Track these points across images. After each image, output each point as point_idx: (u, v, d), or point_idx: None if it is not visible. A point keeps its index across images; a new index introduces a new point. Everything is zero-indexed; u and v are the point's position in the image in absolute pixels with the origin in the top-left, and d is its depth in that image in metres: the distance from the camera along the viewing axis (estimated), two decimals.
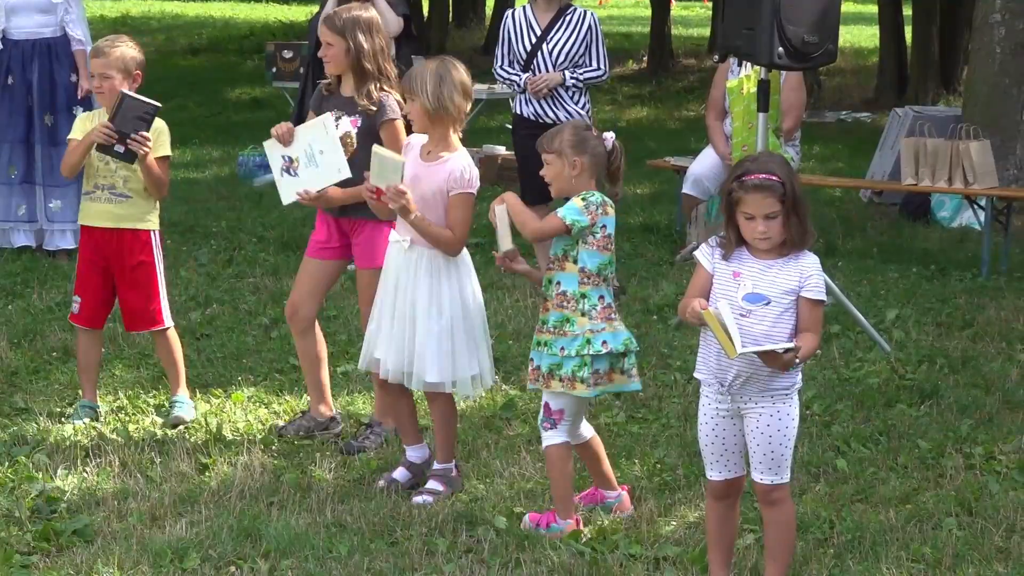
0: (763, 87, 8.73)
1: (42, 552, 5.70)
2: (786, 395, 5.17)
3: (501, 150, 14.50)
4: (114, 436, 6.92)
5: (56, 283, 9.89)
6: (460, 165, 6.21)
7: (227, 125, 18.51)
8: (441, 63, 6.22)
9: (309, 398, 7.17)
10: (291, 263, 10.61)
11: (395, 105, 6.73)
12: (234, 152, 15.77)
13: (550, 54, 9.88)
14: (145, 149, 6.94)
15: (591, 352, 5.82)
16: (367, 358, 6.41)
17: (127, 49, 7.16)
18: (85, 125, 7.16)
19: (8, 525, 5.93)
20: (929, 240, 12.01)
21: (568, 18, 9.97)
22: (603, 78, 10.08)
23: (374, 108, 6.73)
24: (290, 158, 6.77)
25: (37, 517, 6.01)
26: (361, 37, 6.72)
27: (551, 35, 9.93)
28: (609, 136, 5.96)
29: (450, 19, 32.58)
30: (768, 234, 5.06)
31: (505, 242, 5.93)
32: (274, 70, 15.25)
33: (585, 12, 10.07)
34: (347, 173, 6.63)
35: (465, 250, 6.30)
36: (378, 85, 6.75)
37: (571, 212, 5.78)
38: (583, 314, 5.84)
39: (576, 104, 9.93)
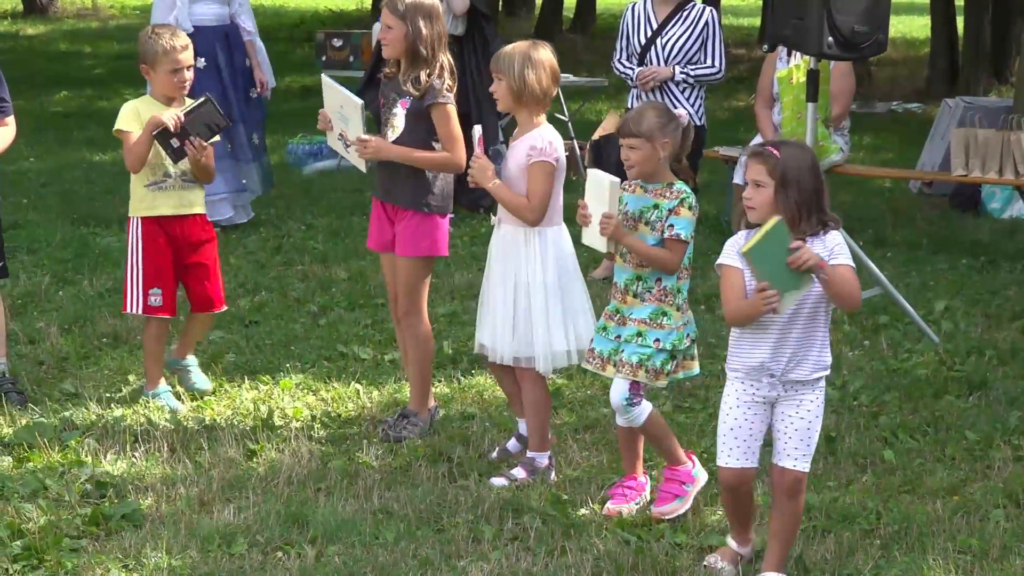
0: (812, 77, 8.69)
1: (91, 536, 5.75)
2: (819, 385, 5.26)
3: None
4: (162, 422, 6.96)
5: (106, 270, 9.95)
6: (540, 136, 6.26)
7: (277, 113, 18.52)
8: (532, 45, 6.28)
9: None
10: (339, 251, 10.66)
11: (445, 90, 6.69)
12: (284, 140, 15.83)
13: (663, 48, 9.75)
14: (197, 156, 7.06)
15: (683, 348, 5.94)
16: (477, 342, 6.59)
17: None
18: (134, 118, 7.11)
19: (58, 509, 5.97)
20: (979, 231, 11.94)
21: (685, 14, 9.88)
22: (718, 76, 9.91)
23: (417, 93, 6.66)
24: (340, 134, 6.84)
25: (86, 501, 6.06)
26: (421, 23, 6.65)
27: (666, 30, 9.84)
28: (684, 115, 6.01)
29: (499, 7, 32.56)
30: (752, 202, 5.17)
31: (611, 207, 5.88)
32: (324, 58, 15.28)
33: (704, 8, 9.96)
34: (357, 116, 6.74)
35: (557, 226, 6.33)
36: (428, 72, 6.67)
37: (686, 227, 5.85)
38: (678, 309, 5.92)
39: (688, 101, 9.79)
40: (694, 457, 6.16)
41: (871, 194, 13.64)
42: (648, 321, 5.89)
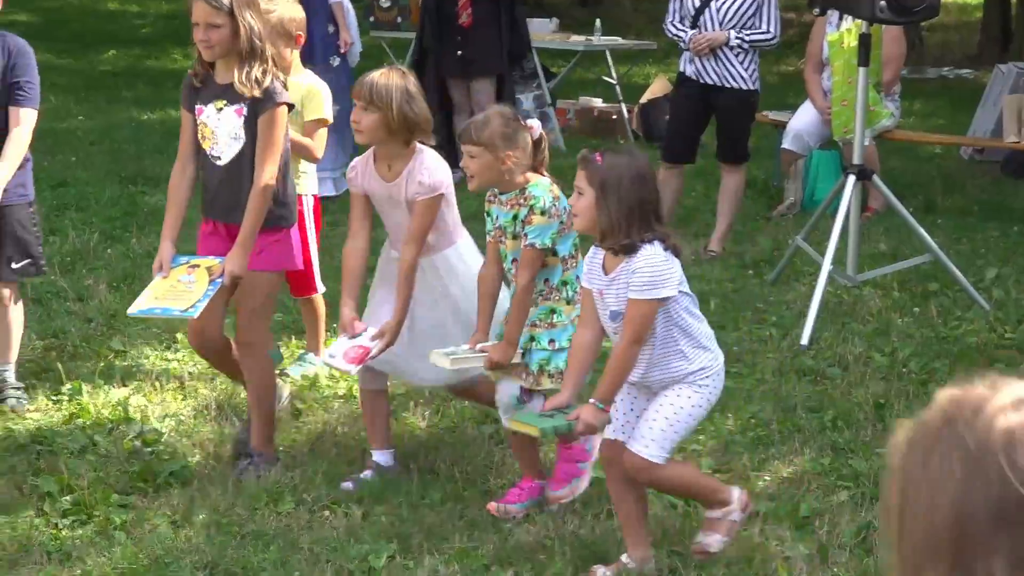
0: (864, 41, 8.61)
1: (139, 492, 5.78)
2: (686, 383, 4.99)
3: (598, 102, 14.44)
4: (211, 380, 6.98)
5: (155, 228, 9.96)
6: (422, 168, 5.71)
7: None
8: (402, 76, 5.72)
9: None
10: None
11: (283, 88, 5.90)
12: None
13: (718, 11, 9.56)
14: None
15: None
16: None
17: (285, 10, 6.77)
18: None
19: (107, 465, 6.01)
20: None
21: None
22: (773, 42, 9.72)
23: (259, 94, 5.77)
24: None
25: (135, 458, 6.09)
26: (249, 14, 5.79)
27: None
28: (535, 127, 5.60)
29: None
30: (575, 208, 4.98)
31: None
32: (372, 19, 15.22)
33: None
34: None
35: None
36: (264, 69, 5.79)
37: (539, 233, 5.43)
38: (568, 302, 5.55)
39: (742, 66, 9.62)
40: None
41: (922, 160, 13.54)
42: (538, 323, 5.52)
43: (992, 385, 1.81)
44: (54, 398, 6.74)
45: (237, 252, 5.80)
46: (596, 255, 5.00)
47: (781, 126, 11.52)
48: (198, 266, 5.88)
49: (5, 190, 6.42)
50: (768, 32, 9.63)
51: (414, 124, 5.67)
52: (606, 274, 4.94)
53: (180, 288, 5.83)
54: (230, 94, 5.82)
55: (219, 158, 5.89)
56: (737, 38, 9.54)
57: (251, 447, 6.07)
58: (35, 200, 6.76)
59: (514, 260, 5.56)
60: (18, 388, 6.76)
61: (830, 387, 7.05)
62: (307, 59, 10.96)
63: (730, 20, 9.59)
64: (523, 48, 12.21)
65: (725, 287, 8.81)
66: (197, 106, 5.91)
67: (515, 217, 5.52)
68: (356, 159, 6.01)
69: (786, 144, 11.04)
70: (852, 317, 8.22)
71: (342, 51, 11.13)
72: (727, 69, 9.58)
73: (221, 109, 5.85)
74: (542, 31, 14.12)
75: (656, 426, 4.96)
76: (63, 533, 5.47)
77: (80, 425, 6.44)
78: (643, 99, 14.02)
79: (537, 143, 5.55)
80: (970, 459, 1.71)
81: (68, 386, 6.87)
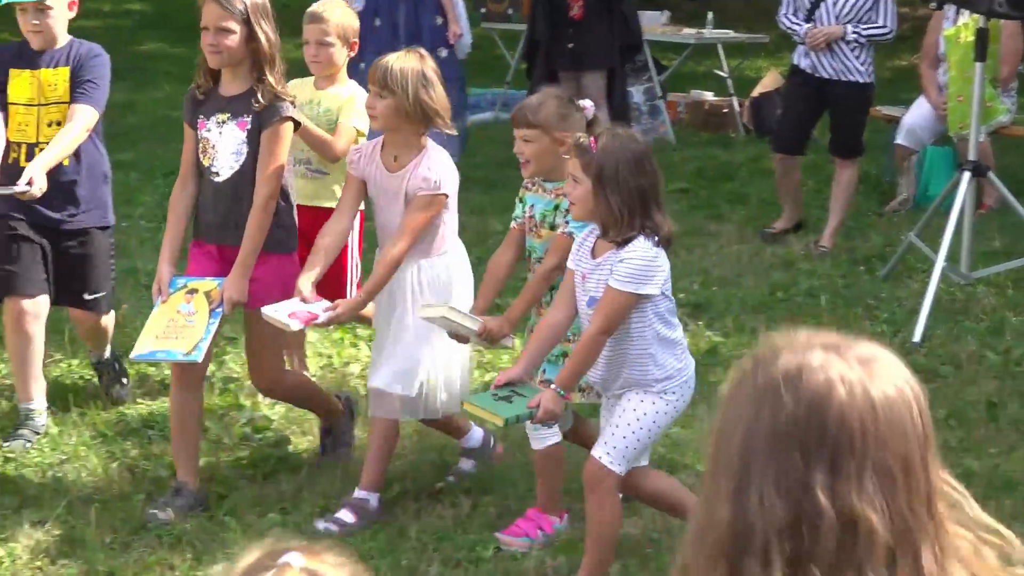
0: (981, 36, 8.50)
1: (249, 478, 5.83)
2: (650, 392, 4.83)
3: (709, 96, 14.37)
4: (320, 370, 7.02)
5: None
6: (429, 164, 5.45)
7: None
8: (420, 59, 5.47)
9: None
10: (496, 203, 10.66)
11: (290, 103, 5.64)
12: None
13: (834, 5, 9.52)
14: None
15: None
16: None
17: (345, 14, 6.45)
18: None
19: (217, 451, 6.07)
20: None
21: None
22: (889, 36, 9.63)
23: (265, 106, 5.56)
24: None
25: (245, 444, 6.15)
26: (264, 22, 5.58)
27: None
28: (588, 107, 5.37)
29: None
30: (571, 197, 4.82)
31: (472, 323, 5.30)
32: (483, 11, 15.25)
33: None
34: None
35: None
36: (275, 81, 5.57)
37: (584, 225, 5.01)
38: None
39: (858, 60, 9.53)
40: (566, 517, 5.52)
41: None
42: (571, 338, 5.10)
43: (811, 335, 2.06)
44: (165, 384, 6.82)
45: (236, 276, 5.52)
46: (589, 237, 4.85)
47: (894, 121, 11.39)
48: (196, 291, 5.59)
49: (86, 210, 6.19)
50: (885, 27, 9.54)
51: (431, 110, 5.39)
52: (593, 258, 4.80)
53: (180, 323, 5.52)
54: (234, 106, 5.58)
55: (217, 174, 5.61)
56: (854, 32, 9.46)
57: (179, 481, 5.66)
58: (113, 226, 6.46)
59: (538, 260, 5.38)
60: (123, 377, 6.78)
61: (942, 385, 6.97)
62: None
63: (847, 14, 9.50)
64: (635, 41, 12.15)
65: (836, 283, 8.72)
66: (199, 119, 5.65)
67: (557, 207, 5.29)
68: (363, 143, 5.83)
69: (900, 139, 10.92)
70: (965, 315, 8.11)
71: (450, 42, 11.11)
72: (843, 63, 9.50)
73: (224, 123, 5.59)
74: (653, 24, 14.07)
75: (619, 432, 4.82)
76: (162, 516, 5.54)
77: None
78: (754, 93, 13.92)
79: (591, 124, 5.29)
80: (756, 394, 2.00)
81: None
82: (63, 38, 6.19)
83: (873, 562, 1.95)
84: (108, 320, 6.59)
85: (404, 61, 5.42)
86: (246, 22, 5.51)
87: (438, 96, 5.41)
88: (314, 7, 6.45)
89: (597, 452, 4.85)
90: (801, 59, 9.68)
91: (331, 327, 6.33)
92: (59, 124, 6.07)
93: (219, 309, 5.52)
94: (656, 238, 4.69)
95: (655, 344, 4.79)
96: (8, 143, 6.09)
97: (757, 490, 1.96)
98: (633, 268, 4.66)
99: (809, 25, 9.54)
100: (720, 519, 1.99)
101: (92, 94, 6.12)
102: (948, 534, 2.02)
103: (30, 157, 6.02)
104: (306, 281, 5.37)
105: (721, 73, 14.19)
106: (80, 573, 5.13)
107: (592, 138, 4.75)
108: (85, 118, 6.08)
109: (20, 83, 6.14)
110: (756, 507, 1.96)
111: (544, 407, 4.74)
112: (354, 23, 6.40)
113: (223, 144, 5.58)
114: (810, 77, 9.56)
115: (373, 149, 5.56)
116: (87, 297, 6.35)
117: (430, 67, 5.45)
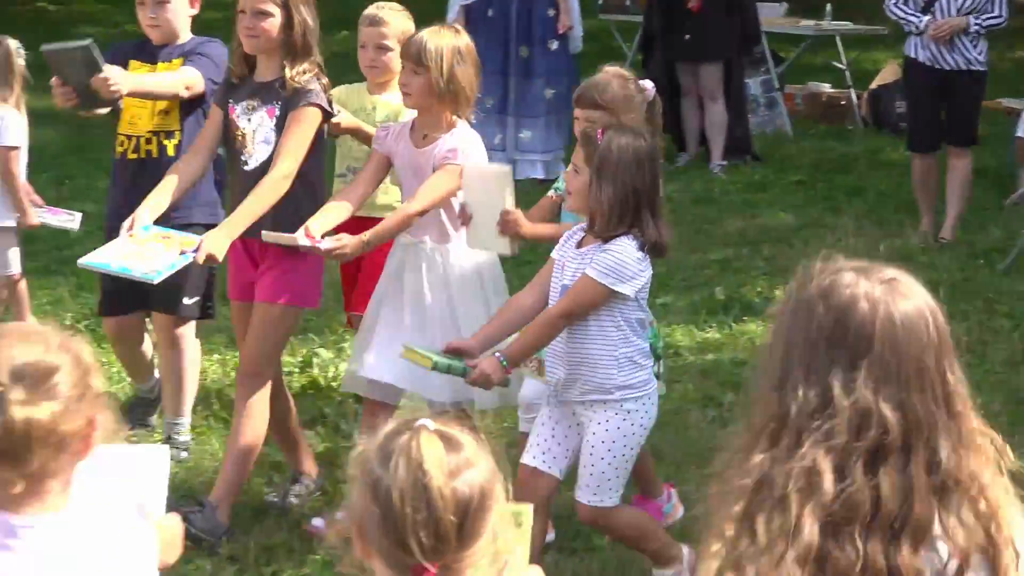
0: None
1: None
2: (615, 408, 4.68)
3: (826, 88, 14.28)
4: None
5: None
6: (461, 138, 5.35)
7: None
8: (455, 34, 5.36)
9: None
10: None
11: (322, 89, 5.41)
12: None
13: None
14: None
15: None
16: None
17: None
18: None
19: (335, 437, 6.18)
20: None
21: None
22: (1003, 24, 9.57)
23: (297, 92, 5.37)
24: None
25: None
26: (303, 7, 5.39)
27: None
28: (649, 86, 5.27)
29: None
30: (570, 187, 4.70)
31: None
32: (601, 2, 15.21)
33: None
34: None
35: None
36: (309, 67, 5.39)
37: None
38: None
39: (976, 50, 9.45)
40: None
41: None
42: None
43: (845, 261, 2.48)
44: (285, 371, 6.88)
45: (220, 233, 5.23)
46: (579, 231, 4.73)
47: (1015, 113, 11.26)
48: (171, 238, 5.27)
49: (190, 206, 5.73)
50: (1000, 16, 9.49)
51: (460, 89, 5.25)
52: (577, 248, 4.69)
53: (146, 253, 5.20)
54: (263, 93, 5.40)
55: (246, 162, 5.43)
56: (976, 23, 9.37)
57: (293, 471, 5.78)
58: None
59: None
60: (184, 440, 6.21)
61: None
62: (524, 40, 11.04)
63: (968, 6, 9.41)
64: (753, 32, 12.11)
65: (955, 276, 8.65)
66: (229, 103, 5.45)
67: None
68: (390, 123, 5.68)
69: (1020, 132, 10.79)
70: None
71: (560, 32, 11.13)
72: (963, 54, 9.43)
73: (253, 109, 5.41)
74: (771, 15, 13.99)
75: (596, 470, 4.68)
76: (294, 500, 5.62)
77: (311, 396, 6.59)
78: (873, 85, 13.82)
79: (651, 104, 5.21)
80: (796, 307, 2.44)
81: (299, 358, 7.03)
82: (184, 35, 6.00)
83: (887, 446, 2.35)
84: (191, 355, 6.19)
85: (439, 37, 5.29)
86: (285, 6, 5.33)
87: (469, 75, 5.28)
88: (371, 9, 6.16)
89: (584, 498, 4.73)
90: (919, 51, 9.58)
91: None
92: (166, 113, 5.88)
93: (191, 254, 5.19)
94: (641, 242, 4.57)
95: (622, 347, 4.65)
96: (117, 136, 6.00)
97: (794, 382, 2.39)
98: (615, 262, 4.55)
99: (928, 17, 9.44)
100: (766, 403, 2.43)
101: (197, 62, 5.84)
102: (970, 431, 2.48)
103: (137, 150, 5.91)
104: (314, 223, 5.21)
105: (839, 65, 14.08)
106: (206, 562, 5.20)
107: (600, 130, 4.63)
108: (179, 79, 5.79)
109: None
110: (791, 394, 2.38)
111: (481, 369, 4.60)
112: (411, 27, 5.99)
113: (253, 132, 5.42)
114: (931, 70, 9.47)
115: (403, 128, 5.46)
116: (186, 302, 5.99)
117: (464, 42, 5.32)
